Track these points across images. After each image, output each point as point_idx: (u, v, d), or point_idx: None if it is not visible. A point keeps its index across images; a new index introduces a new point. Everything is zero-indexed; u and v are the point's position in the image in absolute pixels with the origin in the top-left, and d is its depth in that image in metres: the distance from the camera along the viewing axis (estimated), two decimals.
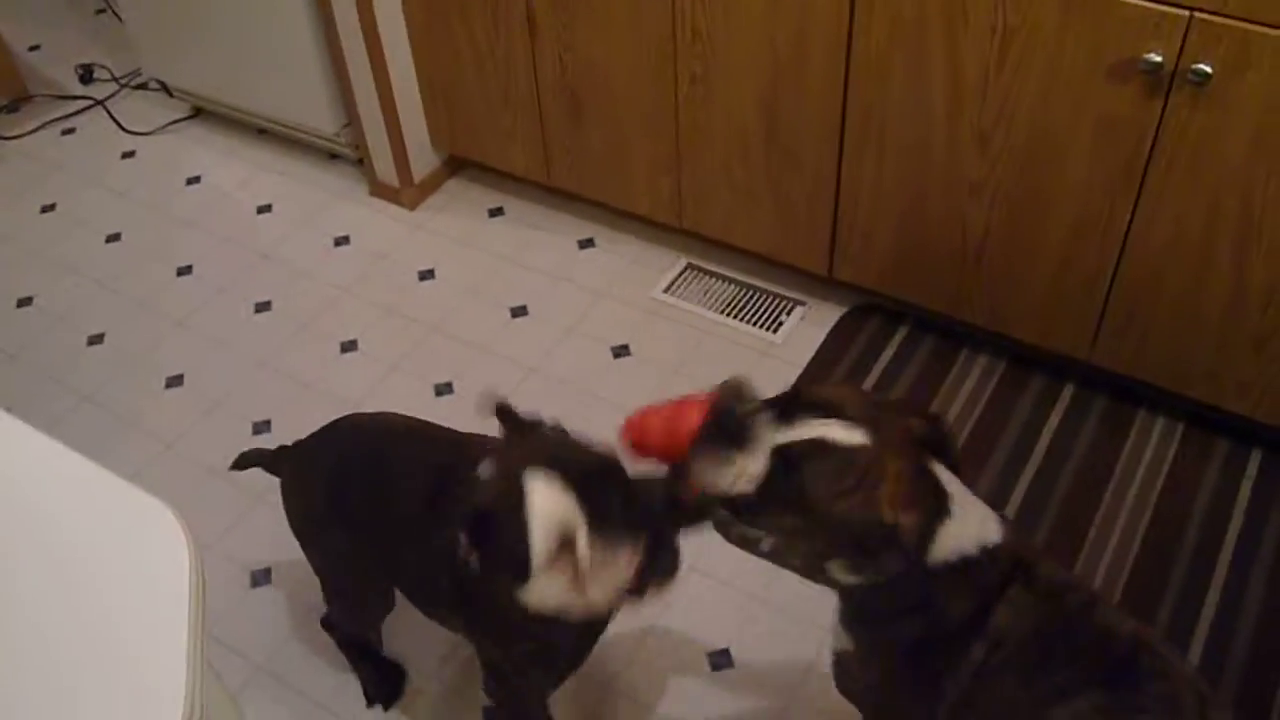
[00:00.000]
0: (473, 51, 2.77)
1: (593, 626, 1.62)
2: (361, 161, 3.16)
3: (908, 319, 2.63)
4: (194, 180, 3.30)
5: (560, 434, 1.45)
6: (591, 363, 2.62)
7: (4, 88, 3.61)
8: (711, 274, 2.81)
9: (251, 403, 2.60)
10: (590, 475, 1.31)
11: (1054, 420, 2.38)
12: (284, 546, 2.25)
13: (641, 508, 1.32)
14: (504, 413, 1.46)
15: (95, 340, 2.80)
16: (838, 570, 1.37)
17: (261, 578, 2.24)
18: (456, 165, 3.21)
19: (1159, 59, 1.86)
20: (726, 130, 2.49)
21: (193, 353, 2.74)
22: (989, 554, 1.36)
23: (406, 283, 2.89)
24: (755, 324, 2.67)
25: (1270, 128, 1.86)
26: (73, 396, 2.64)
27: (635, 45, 2.48)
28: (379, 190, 3.14)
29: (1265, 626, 2.02)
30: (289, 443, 1.89)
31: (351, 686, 2.03)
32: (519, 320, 2.75)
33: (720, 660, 2.04)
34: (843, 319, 2.66)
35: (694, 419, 1.32)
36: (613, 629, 1.67)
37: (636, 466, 1.39)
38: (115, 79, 3.71)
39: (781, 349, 2.61)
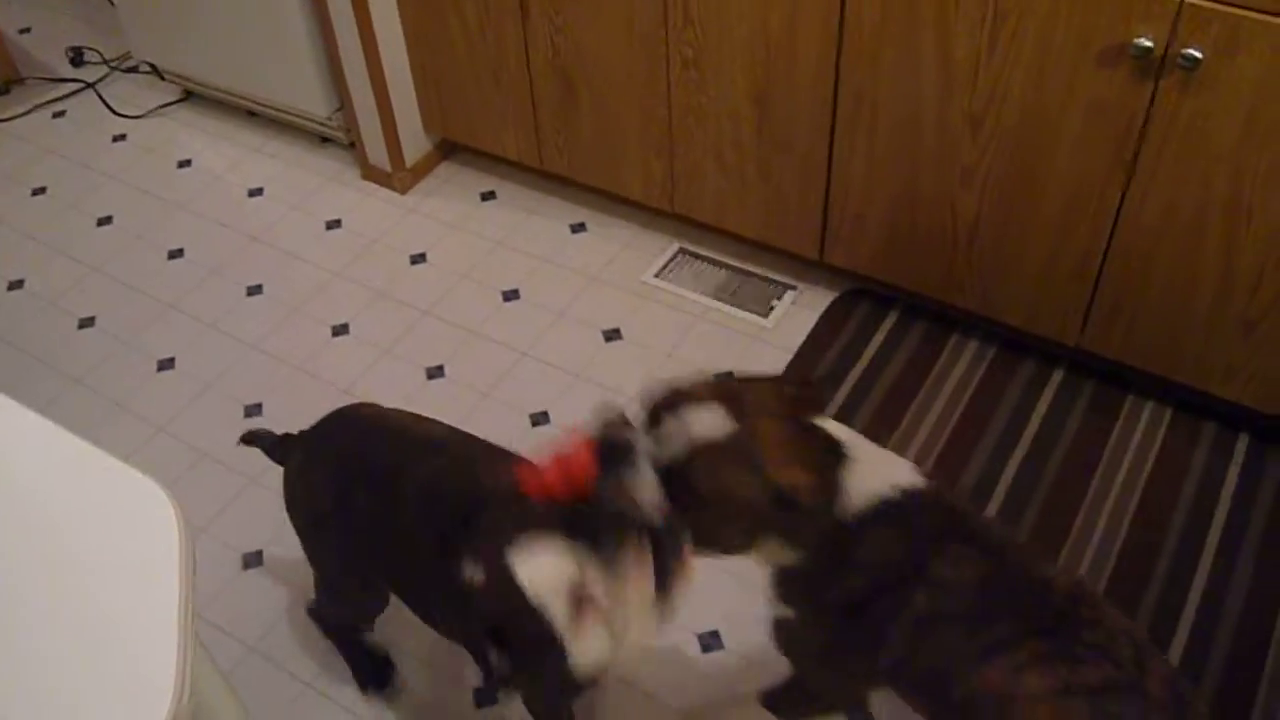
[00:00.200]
0: (464, 35, 2.77)
1: None
2: (353, 145, 3.16)
3: (898, 303, 2.64)
4: (185, 163, 3.29)
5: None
6: (583, 347, 2.62)
7: None
8: (703, 258, 2.82)
9: (243, 386, 2.60)
10: (558, 517, 1.30)
11: (1043, 405, 2.39)
12: (275, 529, 2.26)
13: (616, 516, 1.30)
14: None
15: (86, 323, 2.80)
16: (773, 550, 1.41)
17: (253, 560, 2.24)
18: (448, 149, 3.21)
19: (1149, 44, 1.87)
20: (718, 114, 2.50)
21: (184, 336, 2.74)
22: (909, 496, 1.39)
23: (398, 266, 2.89)
24: (746, 308, 2.68)
25: (1260, 112, 1.87)
26: (63, 379, 2.64)
27: (627, 29, 2.48)
28: (371, 174, 3.14)
29: (1251, 610, 2.03)
30: (294, 431, 1.84)
31: (342, 667, 2.04)
32: (511, 304, 2.75)
33: (710, 641, 2.05)
34: (834, 303, 2.66)
35: (584, 460, 1.33)
36: None
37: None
38: (106, 62, 3.70)
39: (773, 333, 2.61)
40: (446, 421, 2.49)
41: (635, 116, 2.63)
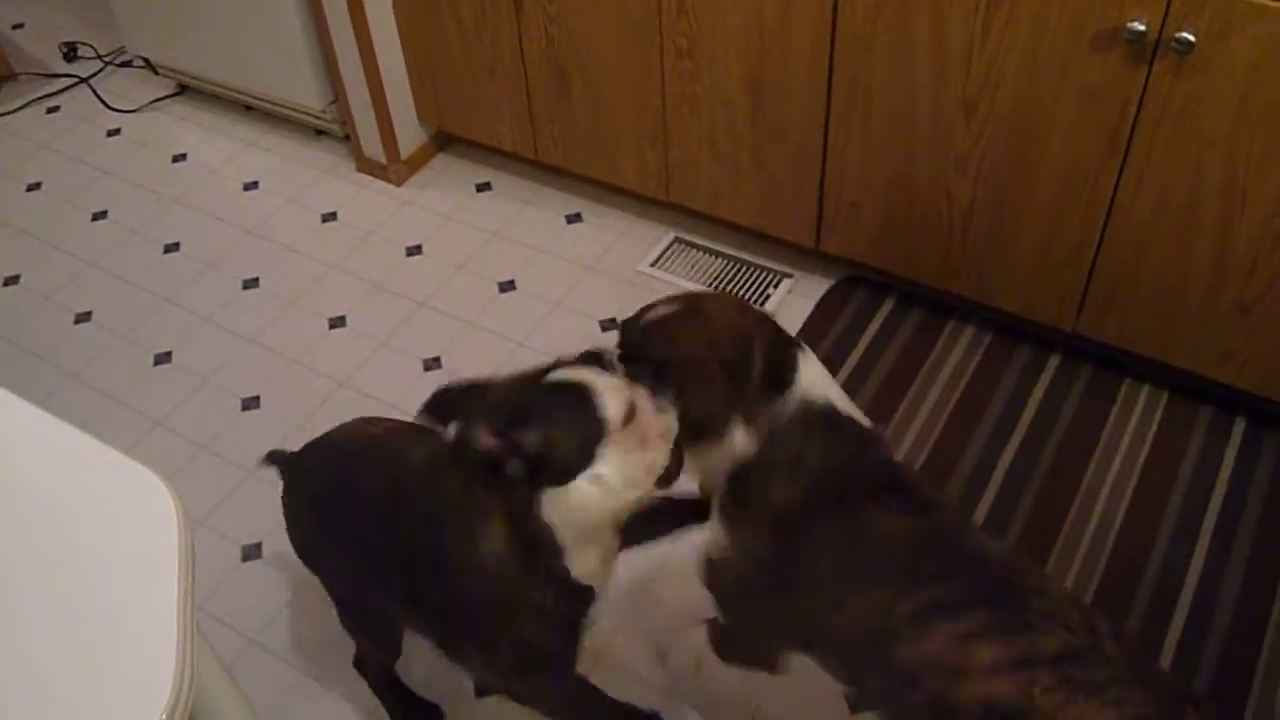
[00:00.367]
0: (458, 26, 2.76)
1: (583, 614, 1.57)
2: (348, 138, 3.16)
3: (894, 291, 2.64)
4: (180, 157, 3.29)
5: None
6: (579, 336, 2.62)
7: None
8: (699, 247, 2.82)
9: (240, 379, 2.60)
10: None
11: (1039, 391, 2.40)
12: (274, 522, 2.25)
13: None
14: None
15: (83, 318, 2.79)
16: (739, 436, 1.42)
17: (252, 552, 2.24)
18: (443, 141, 3.20)
19: (1142, 28, 1.87)
20: (713, 103, 2.49)
21: (181, 330, 2.74)
22: (851, 421, 1.44)
23: (394, 258, 2.89)
24: (742, 296, 2.68)
25: (1253, 96, 1.87)
26: (60, 374, 2.64)
27: (621, 19, 2.48)
28: (366, 166, 3.14)
29: (1248, 593, 2.04)
30: (305, 443, 1.80)
31: (342, 659, 2.04)
32: (507, 295, 2.75)
33: None
34: (830, 291, 2.67)
35: None
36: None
37: None
38: (100, 57, 3.69)
39: None
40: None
41: (630, 106, 2.63)
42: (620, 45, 2.53)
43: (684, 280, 2.72)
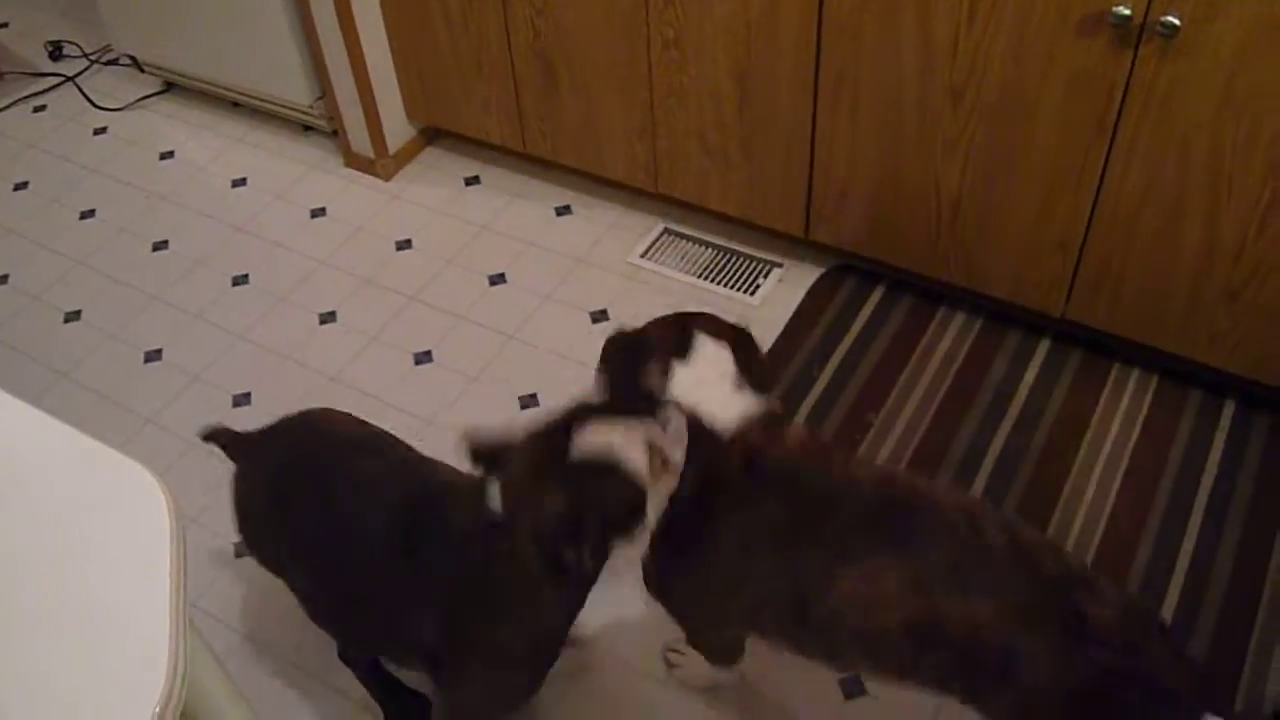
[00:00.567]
0: (445, 20, 2.76)
1: (567, 623, 1.63)
2: (336, 133, 3.15)
3: (884, 279, 2.64)
4: (167, 155, 3.28)
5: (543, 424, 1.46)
6: (570, 329, 2.63)
7: None
8: (688, 238, 2.82)
9: (231, 376, 2.60)
10: (584, 414, 1.38)
11: (1030, 376, 2.40)
12: None
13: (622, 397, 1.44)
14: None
15: (72, 317, 2.79)
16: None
17: (244, 548, 2.24)
18: (432, 135, 3.20)
19: (1127, 12, 1.87)
20: (700, 94, 2.50)
21: (170, 327, 2.74)
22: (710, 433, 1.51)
23: (384, 253, 2.89)
24: (733, 287, 2.68)
25: (1238, 79, 1.87)
26: (50, 374, 2.64)
27: (608, 10, 2.47)
28: (354, 161, 3.14)
29: (1239, 574, 2.04)
30: (253, 429, 1.82)
31: (334, 654, 2.04)
32: (497, 288, 2.75)
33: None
34: (819, 280, 2.67)
35: None
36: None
37: None
38: (86, 55, 3.68)
39: (759, 311, 2.62)
40: (436, 406, 2.50)
41: (617, 98, 2.63)
42: (607, 36, 2.53)
43: (674, 271, 2.72)
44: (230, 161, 3.24)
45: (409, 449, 1.72)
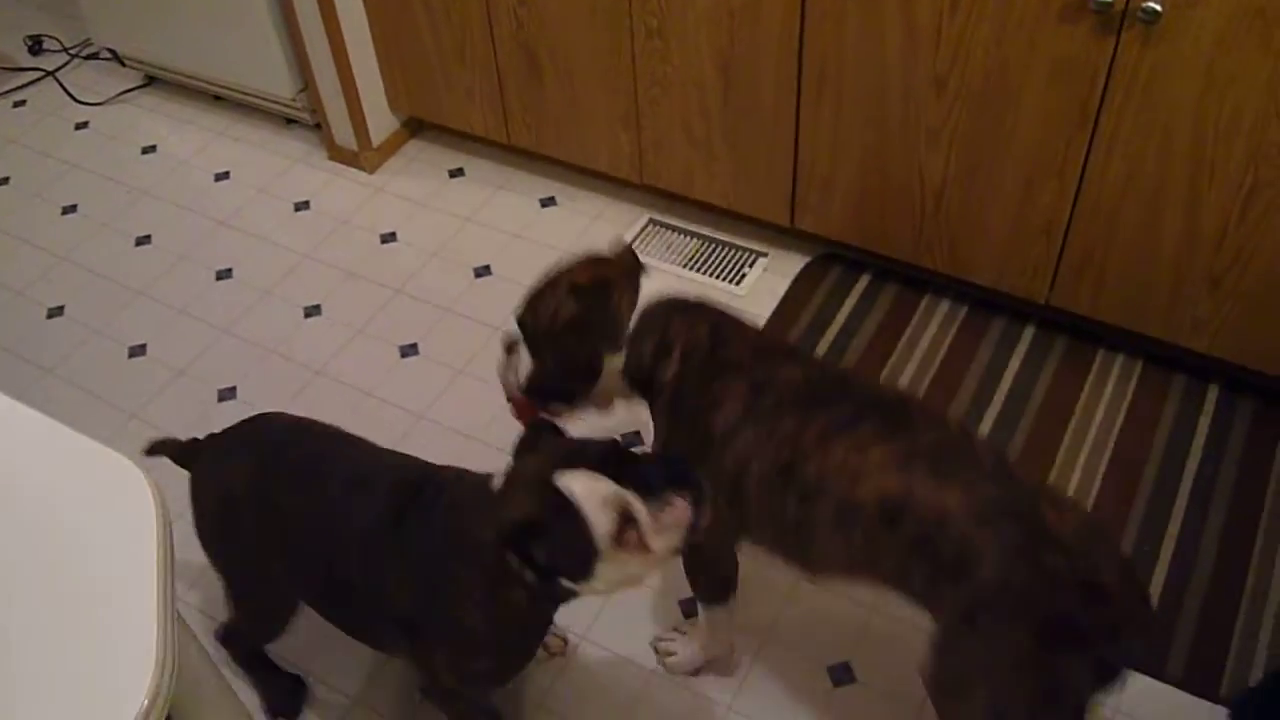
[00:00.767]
0: (427, 11, 2.75)
1: (546, 623, 1.64)
2: (319, 126, 3.14)
3: (869, 267, 2.65)
4: (149, 149, 3.27)
5: (562, 440, 1.48)
6: None
7: None
8: (673, 228, 2.82)
9: (216, 370, 2.59)
10: (606, 458, 1.37)
11: (1015, 363, 2.41)
12: None
13: (660, 462, 1.40)
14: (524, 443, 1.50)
15: (55, 312, 2.78)
16: (612, 359, 1.67)
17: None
18: (415, 127, 3.19)
19: None
20: (684, 84, 2.49)
21: (154, 322, 2.72)
22: (703, 303, 1.67)
23: (368, 246, 2.88)
24: (718, 277, 2.68)
25: (1218, 64, 1.88)
26: (34, 370, 2.63)
27: (590, 0, 2.47)
28: (338, 154, 3.13)
29: (1224, 557, 2.06)
30: (201, 436, 1.81)
31: (321, 648, 2.04)
32: (482, 280, 2.75)
33: (692, 608, 2.07)
34: (805, 269, 2.67)
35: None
36: None
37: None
38: (65, 49, 3.66)
39: (745, 301, 2.62)
40: (423, 398, 2.50)
41: (601, 88, 2.63)
42: (590, 26, 2.52)
43: (661, 262, 2.72)
44: (213, 155, 3.22)
45: (371, 444, 1.74)
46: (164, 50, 3.29)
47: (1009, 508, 1.39)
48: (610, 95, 2.62)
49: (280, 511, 1.63)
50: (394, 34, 2.87)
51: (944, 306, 2.55)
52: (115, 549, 1.11)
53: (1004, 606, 1.37)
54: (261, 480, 1.66)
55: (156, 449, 1.82)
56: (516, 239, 2.85)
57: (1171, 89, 1.94)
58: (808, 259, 2.70)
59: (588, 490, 1.33)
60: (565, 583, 1.38)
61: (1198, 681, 1.90)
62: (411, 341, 2.61)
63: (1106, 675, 1.41)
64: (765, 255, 2.72)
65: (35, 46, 3.66)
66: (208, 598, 2.15)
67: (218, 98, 3.39)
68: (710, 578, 1.84)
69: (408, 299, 2.72)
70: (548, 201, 2.94)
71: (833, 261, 2.68)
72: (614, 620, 2.06)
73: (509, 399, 1.83)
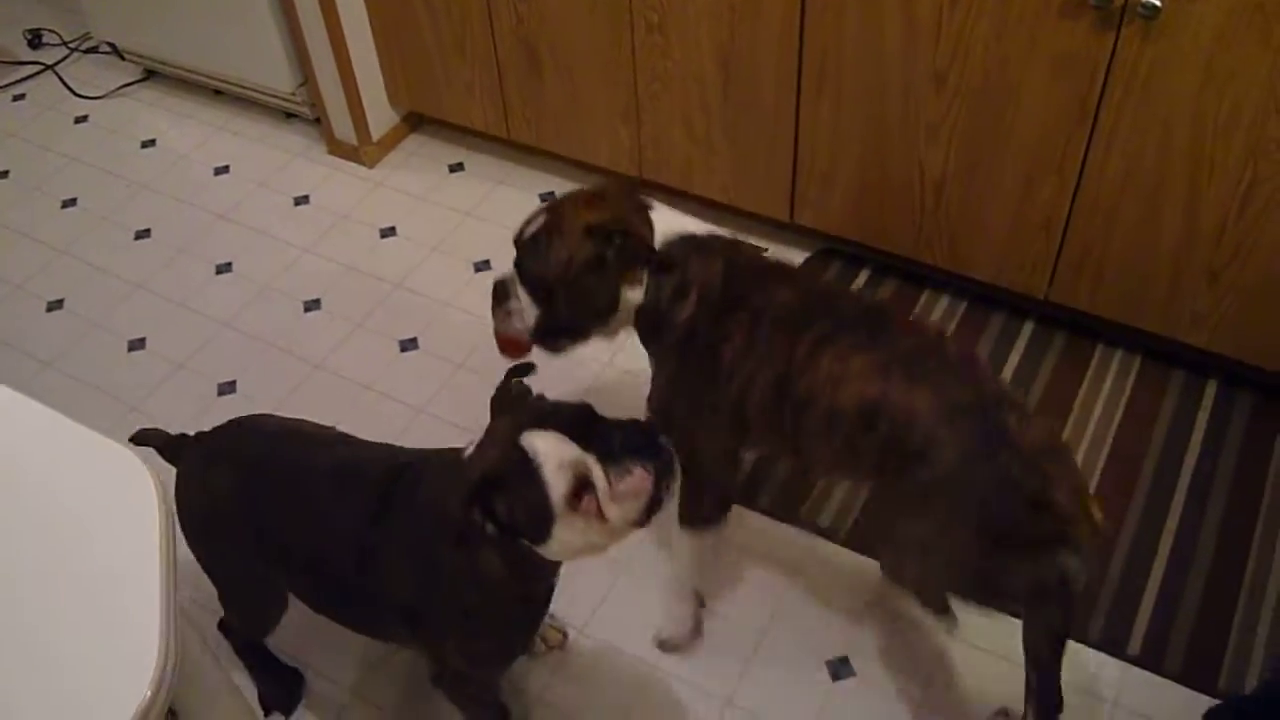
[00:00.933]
0: (427, 6, 2.75)
1: (544, 598, 1.64)
2: (319, 120, 3.14)
3: (868, 262, 2.65)
4: (149, 143, 3.26)
5: (532, 399, 1.48)
6: None
7: None
8: None
9: (216, 364, 2.59)
10: (576, 421, 1.37)
11: (1014, 357, 2.42)
12: None
13: (631, 429, 1.40)
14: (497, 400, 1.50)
15: (55, 306, 2.78)
16: (628, 293, 1.71)
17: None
18: (415, 121, 3.19)
19: None
20: (684, 78, 2.49)
21: (154, 315, 2.73)
22: (712, 234, 1.74)
23: (368, 240, 2.88)
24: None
25: (1218, 60, 1.88)
26: (34, 363, 2.63)
27: None
28: (337, 149, 3.13)
29: (1222, 551, 2.06)
30: (190, 432, 1.81)
31: (322, 640, 2.04)
32: (482, 274, 2.75)
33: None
34: (804, 264, 2.67)
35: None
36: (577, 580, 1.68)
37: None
38: (65, 43, 3.66)
39: None
40: (423, 392, 2.50)
41: (601, 83, 2.63)
42: (590, 21, 2.52)
43: None
44: (212, 149, 3.22)
45: (354, 438, 1.75)
46: (164, 44, 3.29)
47: (973, 409, 1.50)
48: (610, 90, 2.63)
49: (268, 520, 1.64)
50: (394, 28, 2.87)
51: (943, 301, 2.55)
52: (118, 540, 1.11)
53: (954, 496, 1.50)
54: (245, 491, 1.66)
55: (142, 438, 1.81)
56: None
57: (1171, 84, 1.95)
58: (807, 254, 2.70)
59: (549, 450, 1.33)
60: (527, 544, 1.38)
61: (1196, 675, 1.91)
62: (411, 336, 2.61)
63: (1042, 588, 1.52)
64: (765, 250, 2.72)
65: (35, 40, 3.66)
66: (209, 591, 2.15)
67: (217, 92, 3.39)
68: (712, 497, 1.89)
69: (407, 293, 2.72)
70: (547, 196, 2.94)
71: (832, 257, 2.68)
72: (612, 614, 2.07)
73: (504, 340, 1.84)
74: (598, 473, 1.34)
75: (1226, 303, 2.17)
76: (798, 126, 2.43)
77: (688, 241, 1.71)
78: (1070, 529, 1.48)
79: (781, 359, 1.62)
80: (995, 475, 1.47)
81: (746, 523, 2.17)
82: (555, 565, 1.52)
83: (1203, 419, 2.28)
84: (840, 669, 1.97)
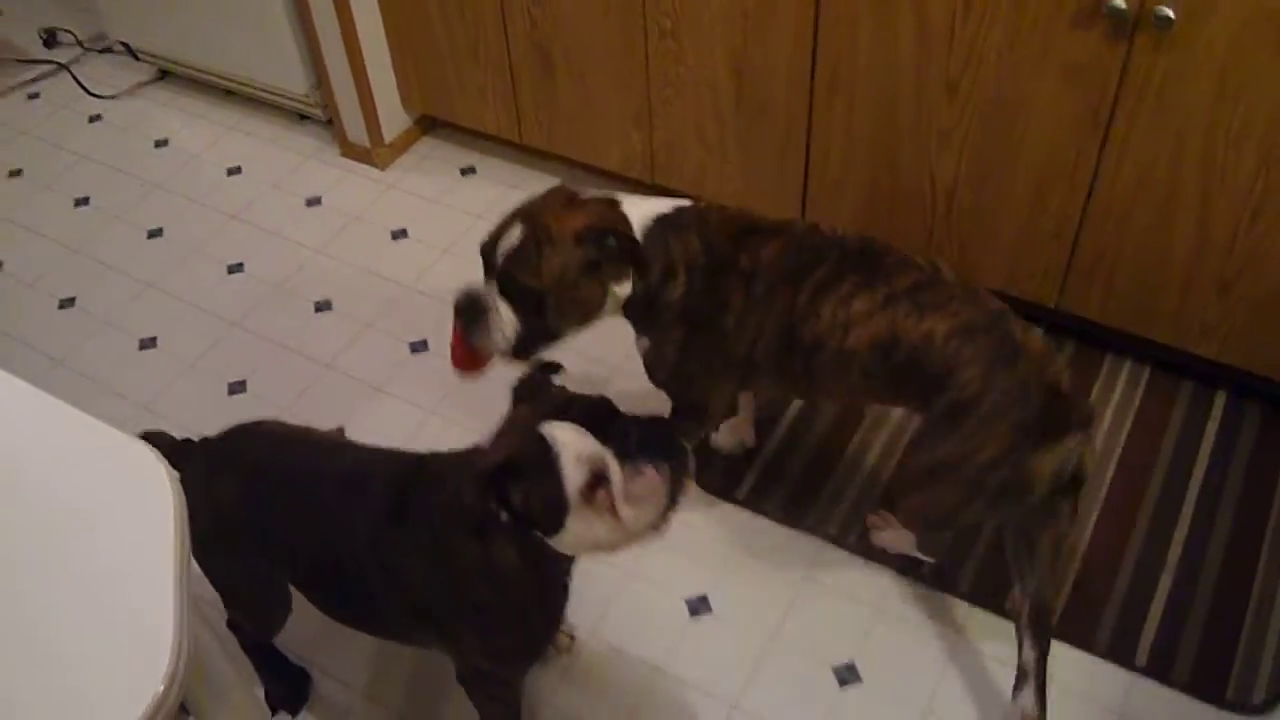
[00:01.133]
0: (441, 9, 2.76)
1: (561, 594, 1.64)
2: (331, 122, 3.15)
3: None
4: (162, 143, 3.28)
5: (556, 390, 1.48)
6: None
7: None
8: None
9: (227, 363, 2.60)
10: (595, 414, 1.38)
11: None
12: None
13: (649, 428, 1.39)
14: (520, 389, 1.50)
15: (66, 304, 2.79)
16: (616, 290, 1.79)
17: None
18: (428, 124, 3.20)
19: (1122, 4, 1.88)
20: (697, 85, 2.50)
21: (166, 315, 2.74)
22: (680, 210, 1.81)
23: (380, 242, 2.89)
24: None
25: (1231, 72, 1.88)
26: (45, 361, 2.64)
27: (604, 0, 2.48)
28: (350, 151, 3.14)
29: (1231, 562, 2.06)
30: (196, 438, 1.81)
31: (331, 640, 2.05)
32: None
33: (698, 606, 2.07)
34: None
35: (459, 330, 1.85)
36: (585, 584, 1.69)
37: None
38: (79, 42, 3.67)
39: None
40: (433, 394, 2.50)
41: (614, 88, 2.63)
42: (604, 26, 2.53)
43: None
44: (225, 150, 3.23)
45: (359, 445, 1.75)
46: (177, 44, 3.30)
47: (985, 326, 1.66)
48: (623, 95, 2.63)
49: (275, 524, 1.64)
50: (408, 31, 2.88)
51: None
52: (132, 533, 1.12)
53: (985, 407, 1.63)
54: (250, 495, 1.65)
55: (149, 438, 1.81)
56: None
57: (1184, 95, 1.95)
58: None
59: (568, 441, 1.33)
60: (539, 535, 1.38)
61: (1204, 686, 1.90)
62: (422, 338, 2.62)
63: (1060, 479, 1.64)
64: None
65: (49, 39, 3.67)
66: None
67: (230, 92, 3.41)
68: (713, 426, 2.17)
69: (418, 295, 2.73)
70: None
71: None
72: (620, 618, 2.07)
73: (466, 356, 1.88)
74: (614, 469, 1.34)
75: (1237, 314, 2.17)
76: (810, 133, 2.43)
77: (662, 223, 1.79)
78: (1084, 414, 1.65)
79: (784, 310, 1.74)
80: (1019, 378, 1.62)
81: (754, 528, 2.18)
82: (569, 560, 1.52)
83: (1212, 430, 2.28)
84: (847, 675, 1.97)
